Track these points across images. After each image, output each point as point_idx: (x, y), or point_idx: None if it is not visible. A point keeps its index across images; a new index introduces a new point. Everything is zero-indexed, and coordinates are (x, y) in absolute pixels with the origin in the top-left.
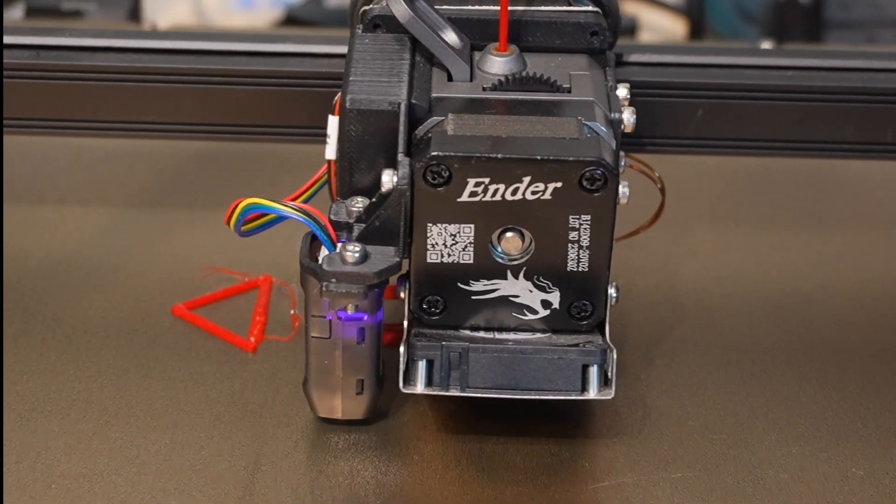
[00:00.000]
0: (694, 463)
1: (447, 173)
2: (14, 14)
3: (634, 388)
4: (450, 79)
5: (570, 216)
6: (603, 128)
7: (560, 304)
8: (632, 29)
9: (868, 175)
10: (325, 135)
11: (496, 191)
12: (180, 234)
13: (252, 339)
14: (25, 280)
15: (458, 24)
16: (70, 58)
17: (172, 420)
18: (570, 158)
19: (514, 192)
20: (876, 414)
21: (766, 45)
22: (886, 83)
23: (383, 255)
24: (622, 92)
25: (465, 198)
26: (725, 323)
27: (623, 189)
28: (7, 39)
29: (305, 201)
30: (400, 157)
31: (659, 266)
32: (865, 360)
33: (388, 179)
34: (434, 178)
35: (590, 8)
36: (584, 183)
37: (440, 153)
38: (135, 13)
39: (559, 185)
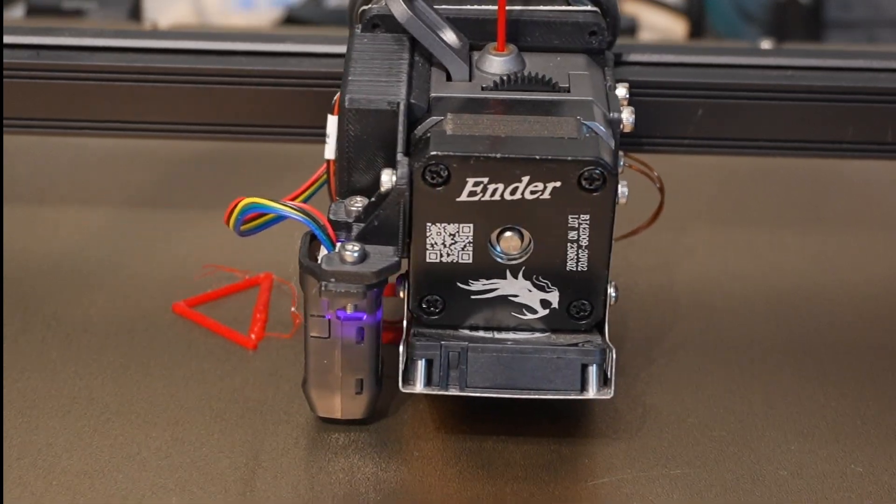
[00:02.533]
0: (693, 460)
1: (446, 173)
2: (15, 13)
3: (635, 387)
4: (448, 78)
5: (569, 216)
6: (602, 127)
7: (559, 303)
8: (632, 29)
9: (868, 175)
10: (324, 134)
11: (495, 190)
12: (181, 233)
13: (252, 336)
14: (26, 280)
15: (456, 23)
16: (70, 58)
17: (173, 417)
18: (569, 158)
19: (513, 192)
20: (875, 411)
21: (766, 44)
22: (886, 83)
23: (382, 255)
24: (621, 91)
25: (464, 197)
26: (725, 322)
27: (622, 189)
28: (7, 39)
29: (305, 201)
30: (399, 156)
31: (659, 266)
32: (865, 359)
33: (388, 179)
34: (433, 178)
35: (588, 7)
36: (583, 182)
37: (439, 153)
38: (135, 12)
39: (558, 184)
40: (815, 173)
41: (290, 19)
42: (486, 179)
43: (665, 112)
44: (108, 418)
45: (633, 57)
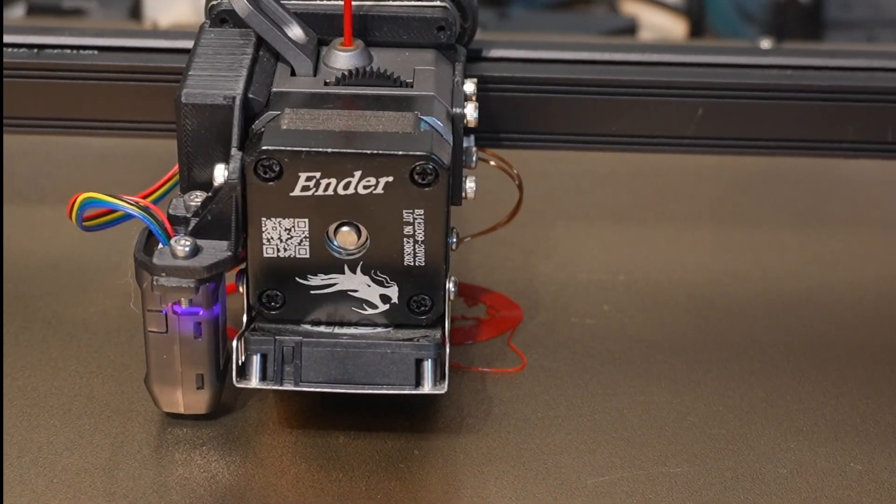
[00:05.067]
0: (693, 458)
1: (278, 167)
2: (15, 12)
3: (634, 384)
4: (293, 74)
5: (404, 210)
6: (440, 123)
7: (399, 298)
8: (632, 29)
9: (868, 175)
10: None
11: (328, 185)
12: None
13: None
14: (26, 280)
15: (305, 18)
16: (70, 57)
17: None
18: (400, 153)
19: (346, 187)
20: (874, 410)
21: (766, 43)
22: (886, 82)
23: (215, 250)
24: (469, 87)
25: (297, 192)
26: (725, 321)
27: (470, 184)
28: (7, 39)
29: (160, 197)
30: (233, 151)
31: (660, 265)
32: (864, 358)
33: (220, 174)
34: (265, 173)
35: (437, 3)
36: (416, 177)
37: (270, 147)
38: (135, 11)
39: (390, 179)
40: (815, 173)
41: None
42: (318, 174)
43: (665, 112)
44: (108, 416)
45: (633, 56)
